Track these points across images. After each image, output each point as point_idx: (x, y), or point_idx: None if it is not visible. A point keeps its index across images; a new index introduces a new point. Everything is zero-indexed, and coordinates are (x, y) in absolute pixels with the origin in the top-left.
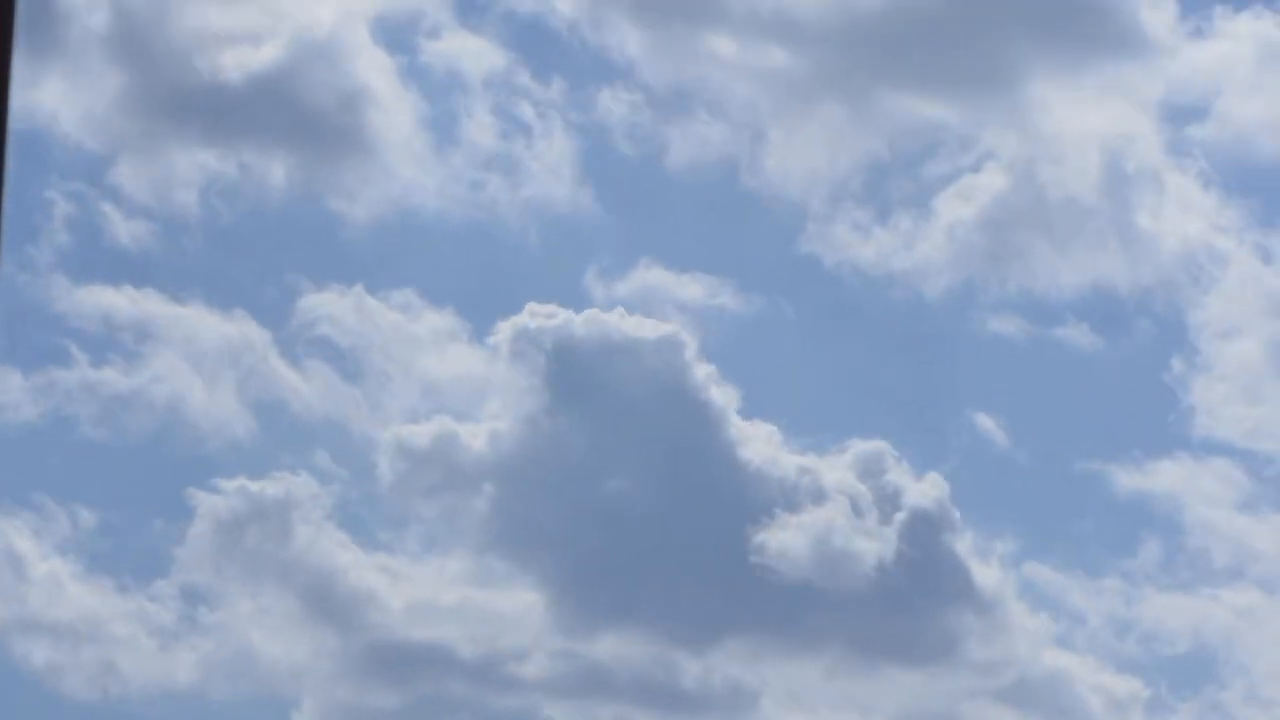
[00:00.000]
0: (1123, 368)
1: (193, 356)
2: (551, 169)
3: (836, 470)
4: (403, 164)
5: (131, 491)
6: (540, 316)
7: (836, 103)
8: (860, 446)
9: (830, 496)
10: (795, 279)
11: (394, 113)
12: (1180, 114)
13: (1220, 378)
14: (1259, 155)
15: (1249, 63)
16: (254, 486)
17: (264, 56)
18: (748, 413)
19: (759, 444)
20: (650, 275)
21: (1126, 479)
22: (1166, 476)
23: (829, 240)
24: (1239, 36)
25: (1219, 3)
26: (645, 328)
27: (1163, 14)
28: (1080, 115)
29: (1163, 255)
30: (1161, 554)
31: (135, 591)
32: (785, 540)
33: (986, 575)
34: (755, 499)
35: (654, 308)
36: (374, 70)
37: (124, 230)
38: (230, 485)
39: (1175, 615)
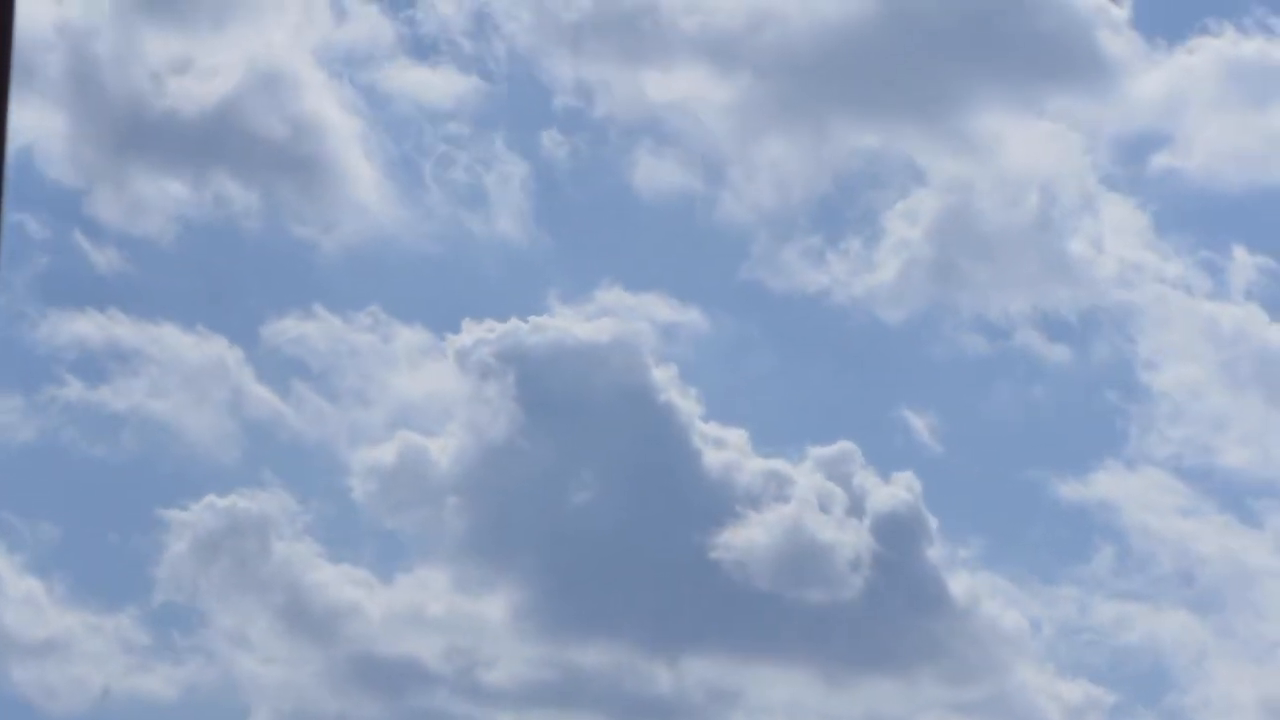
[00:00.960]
0: (1066, 384)
1: (166, 378)
2: (509, 199)
3: (802, 474)
4: (363, 192)
5: (106, 511)
6: (500, 331)
7: (789, 132)
8: (822, 452)
9: (797, 500)
10: (749, 300)
11: (353, 142)
12: (1131, 142)
13: (1160, 395)
14: (1207, 182)
15: (1206, 90)
16: (223, 503)
17: (224, 87)
18: (712, 421)
19: (724, 450)
20: (610, 295)
21: (1071, 489)
22: (1108, 485)
23: (780, 265)
24: (1192, 67)
25: (1179, 27)
26: (604, 330)
27: (1121, 41)
28: (1029, 144)
29: (1100, 282)
30: (1113, 561)
31: (111, 610)
32: (754, 547)
33: (957, 584)
34: (720, 504)
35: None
36: (333, 102)
37: (97, 257)
38: (203, 504)
39: (1131, 622)
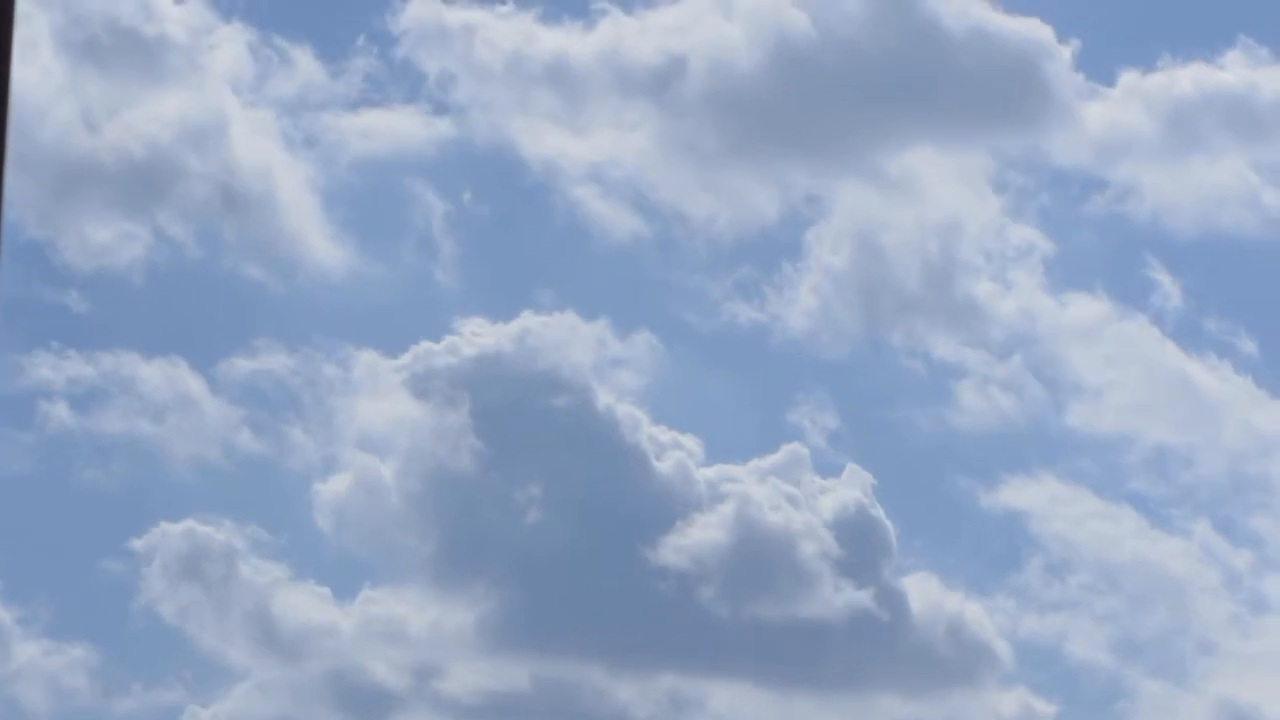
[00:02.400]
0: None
1: (133, 408)
2: (448, 233)
3: (752, 485)
4: (304, 226)
5: (75, 540)
6: (445, 354)
7: (722, 171)
8: (770, 461)
9: (749, 509)
10: (686, 330)
11: (295, 180)
12: (1067, 179)
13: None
14: (1133, 216)
15: (1143, 130)
16: (185, 529)
17: (164, 133)
18: (662, 436)
19: (674, 462)
20: (563, 319)
21: (995, 497)
22: (1032, 494)
23: (710, 298)
24: (1130, 106)
25: (1116, 66)
26: (547, 355)
27: (1059, 79)
28: (951, 182)
29: (1019, 315)
30: (1043, 570)
31: (83, 639)
32: (711, 559)
33: (916, 598)
34: (672, 514)
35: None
36: (274, 141)
37: (58, 296)
38: (174, 529)
39: (1067, 630)
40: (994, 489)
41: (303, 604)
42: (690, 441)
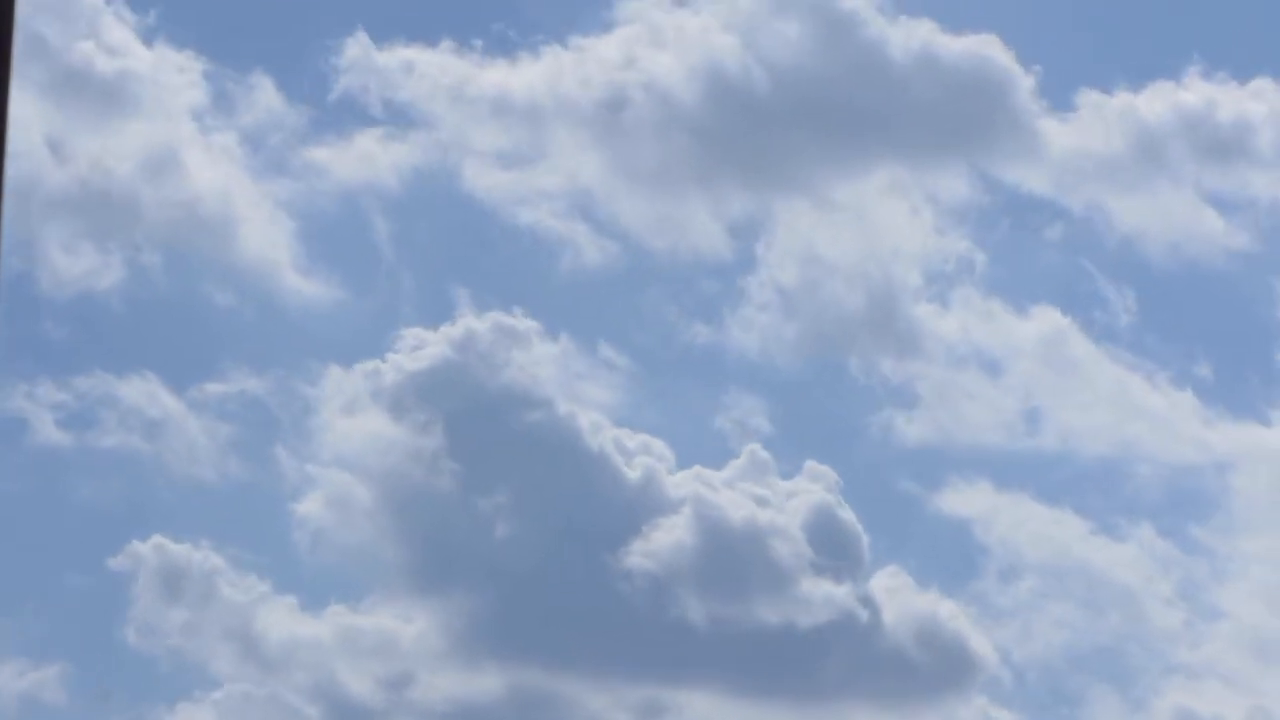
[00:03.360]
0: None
1: (108, 430)
2: (417, 257)
3: (721, 492)
4: (267, 252)
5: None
6: (412, 366)
7: (669, 198)
8: (736, 467)
9: (718, 514)
10: (646, 348)
11: (257, 210)
12: (1015, 198)
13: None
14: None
15: (1102, 149)
16: (146, 548)
17: (126, 164)
18: (629, 441)
19: (641, 469)
20: (522, 334)
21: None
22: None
23: (664, 317)
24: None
25: (1079, 82)
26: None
27: (1013, 100)
28: (902, 205)
29: (954, 347)
30: (996, 575)
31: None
32: (681, 566)
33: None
34: (638, 523)
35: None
36: (235, 169)
37: (33, 324)
38: (147, 547)
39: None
40: (941, 496)
41: (276, 617)
42: (659, 446)
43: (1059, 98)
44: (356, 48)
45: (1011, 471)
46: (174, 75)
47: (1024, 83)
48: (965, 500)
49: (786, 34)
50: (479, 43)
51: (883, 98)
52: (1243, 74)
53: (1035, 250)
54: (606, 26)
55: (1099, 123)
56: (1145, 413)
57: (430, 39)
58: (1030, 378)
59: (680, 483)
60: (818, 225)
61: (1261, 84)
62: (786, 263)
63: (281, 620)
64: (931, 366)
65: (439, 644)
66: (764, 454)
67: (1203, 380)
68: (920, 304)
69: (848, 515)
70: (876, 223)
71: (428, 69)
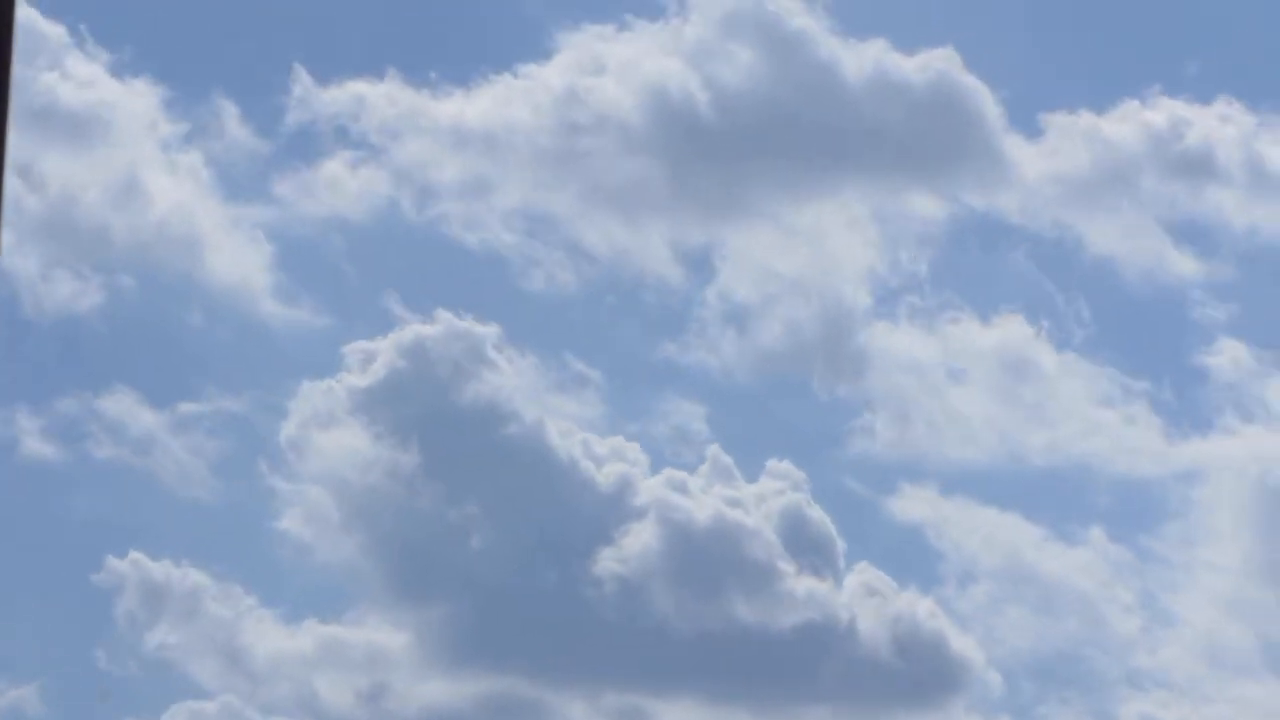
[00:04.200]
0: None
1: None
2: (386, 280)
3: (694, 499)
4: (237, 275)
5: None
6: (385, 381)
7: (628, 221)
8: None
9: (693, 520)
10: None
11: (226, 233)
12: (979, 225)
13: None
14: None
15: (1065, 169)
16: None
17: (98, 189)
18: (598, 450)
19: (614, 477)
20: (488, 345)
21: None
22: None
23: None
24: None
25: (1048, 107)
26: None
27: (974, 120)
28: (856, 227)
29: (911, 361)
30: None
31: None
32: (657, 574)
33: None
34: (608, 528)
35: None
36: (202, 195)
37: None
38: (124, 564)
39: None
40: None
41: (254, 629)
42: (633, 451)
43: (1019, 117)
44: (308, 81)
45: (969, 481)
46: (139, 104)
47: (981, 101)
48: (917, 506)
49: (740, 59)
50: (431, 74)
51: (838, 119)
52: (1205, 96)
53: (995, 267)
54: (548, 55)
55: (1065, 142)
56: (1103, 425)
57: (378, 72)
58: (989, 389)
59: (651, 488)
60: (774, 247)
61: (1225, 105)
62: (743, 284)
63: (257, 631)
64: (886, 380)
65: (417, 655)
66: (726, 458)
67: (1160, 394)
68: (877, 322)
69: (818, 514)
70: (834, 244)
71: (378, 101)
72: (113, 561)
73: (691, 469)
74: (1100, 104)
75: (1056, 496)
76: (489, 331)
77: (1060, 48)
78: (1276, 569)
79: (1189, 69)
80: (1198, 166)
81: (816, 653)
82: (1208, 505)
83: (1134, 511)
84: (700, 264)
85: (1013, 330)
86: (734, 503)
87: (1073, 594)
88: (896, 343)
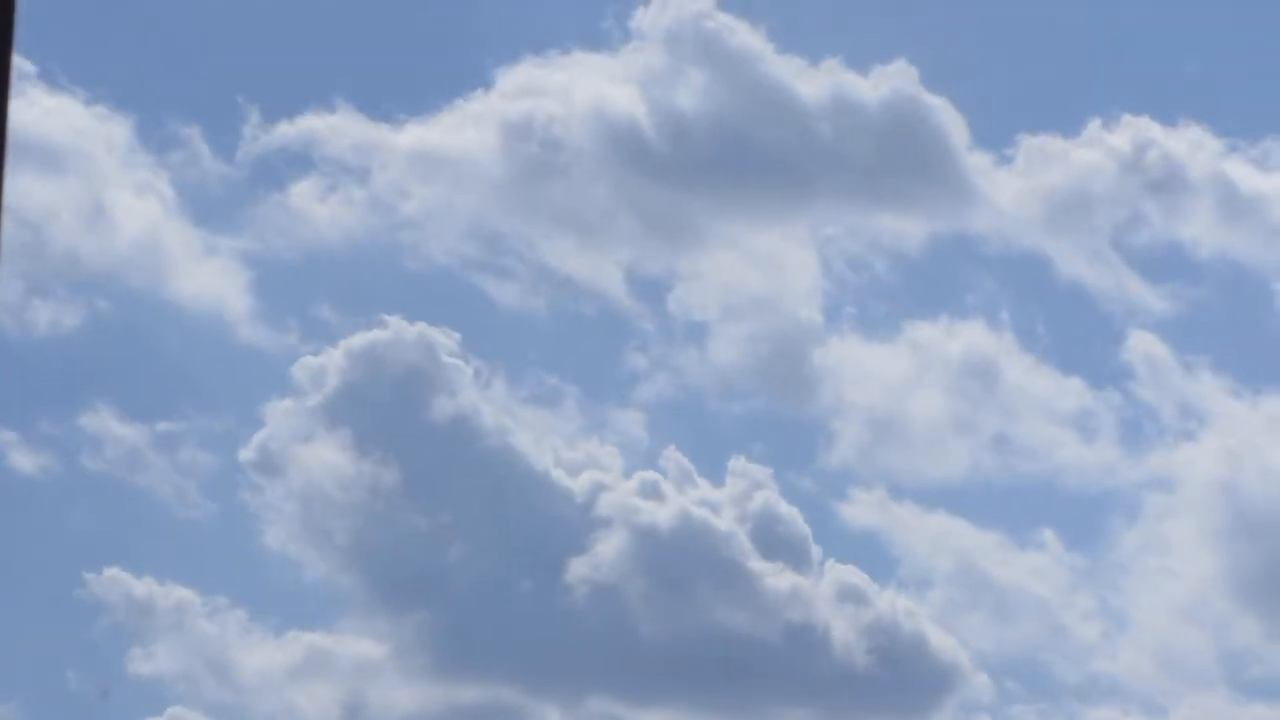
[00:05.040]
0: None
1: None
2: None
3: (667, 505)
4: (209, 296)
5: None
6: (360, 395)
7: (594, 244)
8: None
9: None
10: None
11: (194, 257)
12: (940, 242)
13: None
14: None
15: (1027, 192)
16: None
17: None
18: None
19: (591, 485)
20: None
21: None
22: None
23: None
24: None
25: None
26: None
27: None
28: (798, 249)
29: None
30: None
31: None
32: (640, 581)
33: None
34: (584, 536)
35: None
36: (169, 219)
37: None
38: (107, 576)
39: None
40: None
41: (233, 642)
42: (602, 467)
43: (983, 137)
44: (265, 111)
45: (928, 490)
46: (105, 132)
47: (944, 120)
48: (872, 512)
49: (694, 81)
50: (385, 105)
51: (792, 140)
52: (1169, 118)
53: (958, 281)
54: (493, 82)
55: (1031, 163)
56: (1065, 436)
57: (329, 105)
58: (951, 399)
59: (620, 499)
60: (733, 267)
61: (1190, 128)
62: (702, 304)
63: (236, 644)
64: (847, 395)
65: (397, 665)
66: (689, 464)
67: (1122, 406)
68: (835, 337)
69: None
70: (791, 263)
71: (335, 131)
72: (91, 578)
73: (663, 474)
74: (1064, 124)
75: (1017, 503)
76: (450, 343)
77: (1029, 67)
78: (1235, 578)
79: (1154, 91)
80: (1163, 188)
81: (793, 651)
82: (1168, 514)
83: (1093, 520)
84: (654, 286)
85: (974, 338)
86: (704, 503)
87: (1031, 598)
88: (853, 354)
